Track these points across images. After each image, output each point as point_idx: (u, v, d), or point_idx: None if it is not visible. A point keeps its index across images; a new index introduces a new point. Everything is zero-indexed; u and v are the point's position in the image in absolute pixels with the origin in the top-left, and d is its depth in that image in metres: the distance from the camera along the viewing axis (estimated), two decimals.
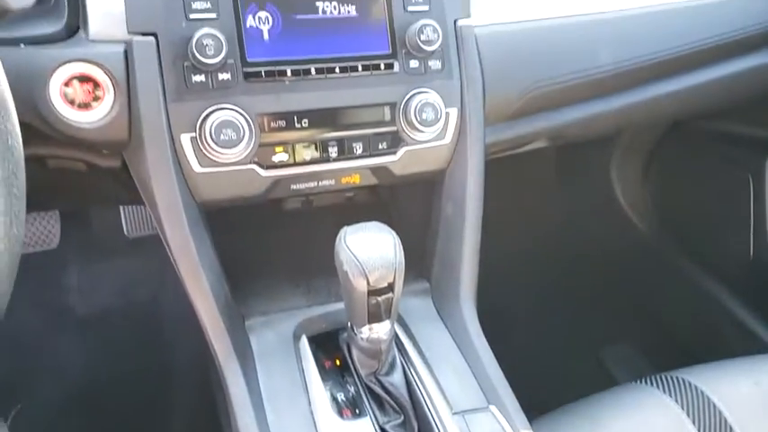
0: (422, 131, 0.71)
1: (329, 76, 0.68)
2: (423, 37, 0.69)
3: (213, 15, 0.63)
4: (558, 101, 0.84)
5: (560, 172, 1.56)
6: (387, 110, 0.71)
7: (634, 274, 1.46)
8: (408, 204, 0.88)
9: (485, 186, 0.78)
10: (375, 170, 0.74)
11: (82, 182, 0.80)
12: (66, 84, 0.61)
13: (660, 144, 1.41)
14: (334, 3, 0.68)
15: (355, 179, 0.75)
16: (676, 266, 1.36)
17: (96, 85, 0.62)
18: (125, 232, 1.34)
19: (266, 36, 0.66)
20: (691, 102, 1.01)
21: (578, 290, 1.47)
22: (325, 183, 0.73)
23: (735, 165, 1.29)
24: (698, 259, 1.35)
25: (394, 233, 0.65)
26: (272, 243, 0.89)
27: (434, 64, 0.72)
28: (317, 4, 0.68)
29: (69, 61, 0.61)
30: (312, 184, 0.73)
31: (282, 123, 0.67)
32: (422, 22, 0.69)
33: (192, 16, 0.63)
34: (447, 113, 0.72)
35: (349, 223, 0.63)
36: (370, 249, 0.62)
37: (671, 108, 1.00)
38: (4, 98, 0.42)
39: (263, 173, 0.68)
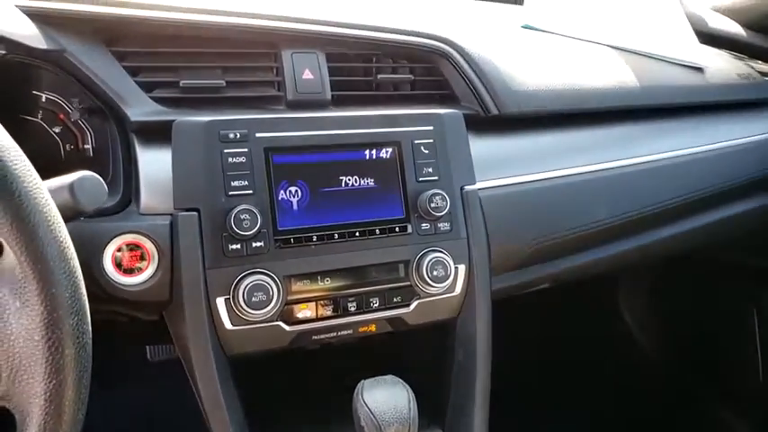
0: (433, 286, 0.78)
1: (350, 239, 0.76)
2: (433, 204, 0.78)
3: (250, 192, 0.73)
4: (558, 252, 0.91)
5: (565, 298, 1.61)
6: (401, 267, 0.78)
7: (641, 395, 1.46)
8: (421, 348, 0.93)
9: (494, 329, 0.84)
10: (390, 320, 0.80)
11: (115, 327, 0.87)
12: (117, 250, 0.70)
13: (666, 269, 1.46)
14: (356, 176, 0.78)
15: (371, 328, 0.81)
16: (684, 389, 1.37)
17: (143, 252, 0.71)
18: (148, 357, 1.39)
19: (295, 207, 0.75)
20: (688, 242, 1.08)
21: (584, 411, 1.47)
22: (344, 333, 0.79)
23: (738, 292, 1.33)
24: (707, 382, 1.36)
25: (408, 387, 0.70)
26: (290, 381, 0.94)
27: (443, 226, 0.80)
28: (341, 177, 0.77)
29: (123, 233, 0.70)
30: (332, 335, 0.79)
31: (307, 283, 0.75)
32: (432, 191, 0.78)
33: (231, 193, 0.72)
34: (456, 269, 0.80)
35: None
36: (385, 405, 0.67)
37: (668, 250, 1.07)
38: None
39: (288, 328, 0.74)
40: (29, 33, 0.68)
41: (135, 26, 0.75)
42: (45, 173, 0.82)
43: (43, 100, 0.84)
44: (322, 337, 0.78)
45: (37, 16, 0.70)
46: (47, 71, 0.82)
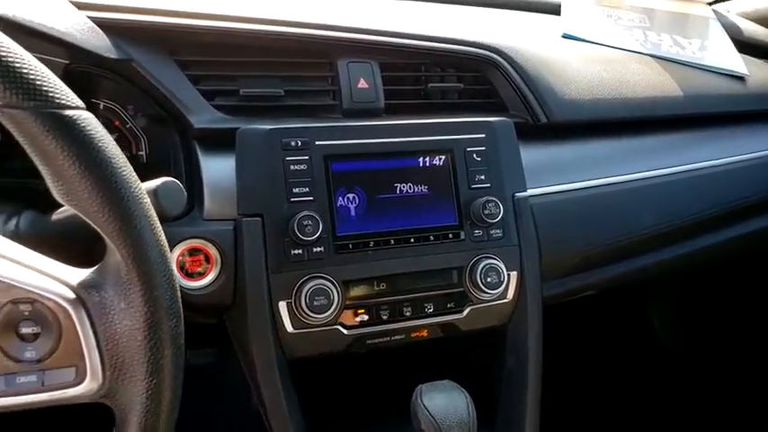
0: (487, 293, 0.79)
1: (405, 245, 0.78)
2: (486, 211, 0.79)
3: (310, 198, 0.74)
4: (606, 259, 0.92)
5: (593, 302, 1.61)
6: (455, 273, 0.79)
7: (670, 399, 1.46)
8: (467, 353, 0.94)
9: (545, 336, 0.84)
10: (443, 326, 0.81)
11: None
12: (180, 255, 0.72)
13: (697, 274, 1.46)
14: (410, 183, 0.79)
15: (423, 333, 0.82)
16: (714, 394, 1.37)
17: (206, 256, 0.73)
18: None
19: (353, 213, 0.76)
20: (731, 250, 1.08)
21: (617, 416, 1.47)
22: (397, 337, 0.81)
23: None
24: (738, 387, 1.35)
25: (466, 392, 0.71)
26: (341, 384, 0.95)
27: (496, 233, 0.81)
28: (396, 185, 0.78)
29: (188, 238, 0.72)
30: (386, 339, 0.80)
31: (364, 288, 0.76)
32: (485, 198, 0.79)
33: (293, 199, 0.73)
34: (509, 276, 0.80)
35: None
36: (445, 409, 0.68)
37: (711, 257, 1.07)
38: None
39: (346, 332, 0.75)
40: (100, 43, 0.71)
41: (197, 36, 0.77)
42: None
43: (101, 108, 0.86)
44: (376, 341, 0.79)
45: (107, 27, 0.72)
46: (106, 79, 0.85)
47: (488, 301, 0.80)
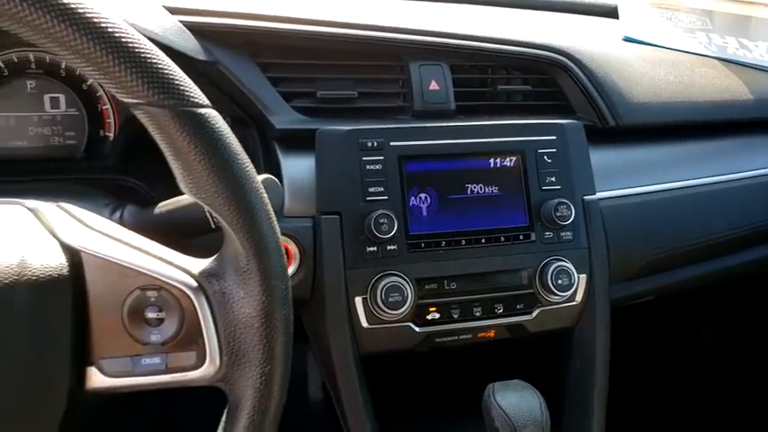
0: (557, 295, 0.79)
1: (476, 245, 0.79)
2: (558, 213, 0.79)
3: (385, 197, 0.76)
4: (673, 264, 0.92)
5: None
6: (524, 275, 0.80)
7: (719, 409, 1.43)
8: (530, 354, 0.95)
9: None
10: (511, 327, 0.81)
11: None
12: None
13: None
14: (481, 184, 0.80)
15: (490, 334, 0.83)
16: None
17: (286, 252, 0.75)
18: None
19: (425, 213, 0.78)
20: None
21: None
22: (464, 337, 0.82)
23: None
24: None
25: (538, 392, 0.72)
26: (407, 381, 0.96)
27: (566, 235, 0.81)
28: (467, 185, 0.80)
29: None
30: (453, 338, 0.81)
31: (435, 286, 0.77)
32: (557, 200, 0.80)
33: (369, 198, 0.75)
34: (578, 278, 0.81)
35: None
36: (518, 408, 0.69)
37: None
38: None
39: (417, 329, 0.77)
40: (190, 46, 0.74)
41: (278, 38, 0.79)
42: (174, 176, 0.88)
43: None
44: (444, 339, 0.81)
45: (195, 30, 0.75)
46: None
47: (557, 304, 0.81)
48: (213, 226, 0.60)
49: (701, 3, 1.34)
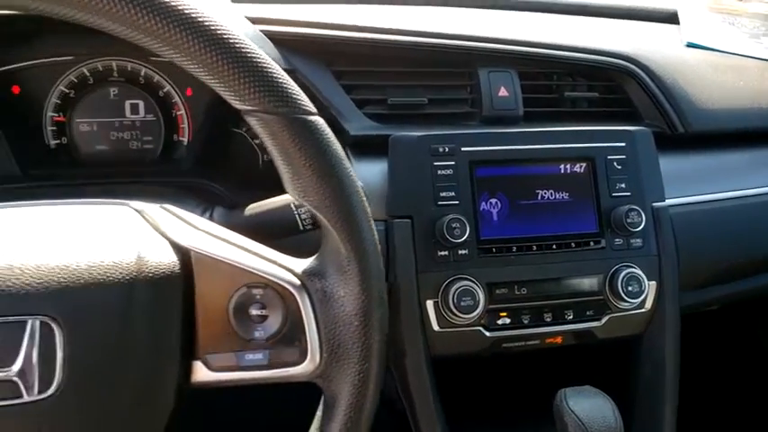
0: (627, 301, 0.79)
1: (547, 251, 0.79)
2: (629, 219, 0.79)
3: (456, 202, 0.77)
4: (742, 272, 0.90)
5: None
6: (594, 281, 0.80)
7: None
8: (595, 361, 0.94)
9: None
10: (579, 333, 0.81)
11: None
12: None
13: None
14: (551, 190, 0.80)
15: (558, 340, 0.83)
16: None
17: None
18: None
19: (495, 217, 0.79)
20: None
21: None
22: (532, 342, 0.82)
23: None
24: None
25: (610, 398, 0.71)
26: (473, 385, 0.97)
27: (636, 242, 0.81)
28: (537, 191, 0.80)
29: None
30: (521, 344, 0.81)
31: (506, 291, 0.78)
32: (627, 206, 0.79)
33: (440, 203, 0.76)
34: (648, 285, 0.80)
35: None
36: (592, 414, 0.69)
37: None
38: None
39: (488, 334, 0.77)
40: (273, 54, 0.76)
41: (352, 47, 0.82)
42: (245, 179, 0.91)
43: None
44: (511, 345, 0.81)
45: (275, 39, 0.78)
46: None
47: (627, 310, 0.80)
48: (302, 228, 0.63)
49: (763, 8, 1.31)
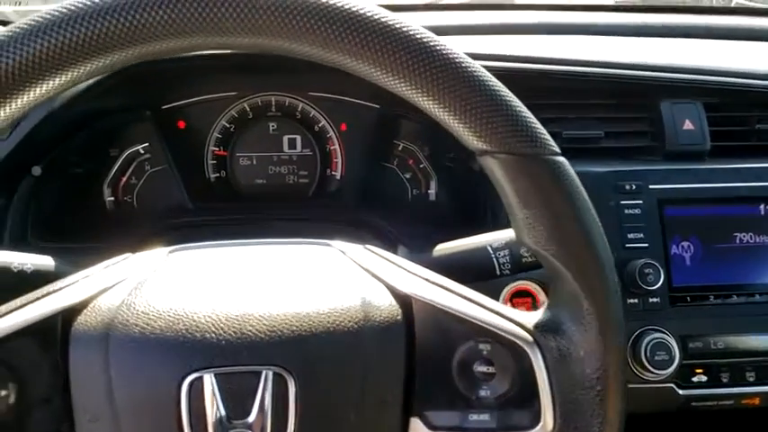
0: None
1: (750, 301, 0.70)
2: None
3: (645, 245, 0.71)
4: None
5: None
6: None
7: None
8: None
9: None
10: None
11: None
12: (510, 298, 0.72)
13: None
14: (751, 233, 0.72)
15: (756, 401, 0.73)
16: None
17: (533, 300, 0.72)
18: None
19: (688, 263, 0.71)
20: None
21: None
22: (725, 402, 0.73)
23: None
24: None
25: None
26: None
27: None
28: (735, 234, 0.72)
29: (517, 279, 0.71)
30: (713, 403, 0.73)
31: (701, 345, 0.70)
32: None
33: (628, 245, 0.70)
34: None
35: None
36: None
37: None
38: None
39: (681, 392, 0.70)
40: None
41: (526, 79, 0.78)
42: (393, 214, 0.89)
43: (399, 148, 0.91)
44: (701, 404, 0.72)
45: None
46: (410, 122, 0.89)
47: None
48: (498, 273, 0.59)
49: None
